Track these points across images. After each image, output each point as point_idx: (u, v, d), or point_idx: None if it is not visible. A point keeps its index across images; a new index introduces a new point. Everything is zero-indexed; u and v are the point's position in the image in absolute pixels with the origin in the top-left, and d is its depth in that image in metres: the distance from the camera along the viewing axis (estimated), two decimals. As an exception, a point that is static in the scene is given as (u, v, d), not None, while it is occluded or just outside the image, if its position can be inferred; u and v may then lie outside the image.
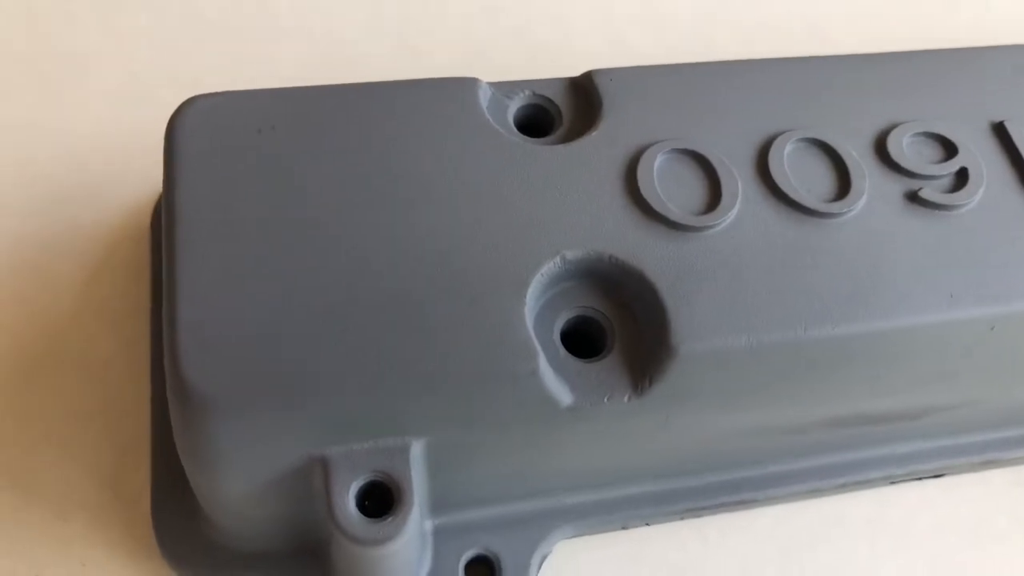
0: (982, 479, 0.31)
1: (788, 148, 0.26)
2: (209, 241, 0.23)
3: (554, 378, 0.23)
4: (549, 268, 0.23)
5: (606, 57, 0.30)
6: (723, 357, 0.23)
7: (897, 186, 0.25)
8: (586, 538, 0.29)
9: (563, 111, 0.27)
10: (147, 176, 0.33)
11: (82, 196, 0.33)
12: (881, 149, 0.26)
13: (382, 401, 0.22)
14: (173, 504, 0.26)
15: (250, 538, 0.25)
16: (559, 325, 0.24)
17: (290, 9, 0.39)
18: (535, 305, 0.23)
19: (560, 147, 0.25)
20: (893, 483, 0.30)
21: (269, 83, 0.27)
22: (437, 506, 0.26)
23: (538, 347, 0.22)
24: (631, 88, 0.26)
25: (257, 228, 0.23)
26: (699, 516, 0.29)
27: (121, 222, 0.32)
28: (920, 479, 0.30)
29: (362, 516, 0.21)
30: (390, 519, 0.21)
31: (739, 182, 0.25)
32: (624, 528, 0.28)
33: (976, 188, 0.25)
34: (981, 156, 0.26)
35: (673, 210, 0.24)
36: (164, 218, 0.24)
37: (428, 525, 0.26)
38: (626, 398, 0.23)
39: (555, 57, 0.37)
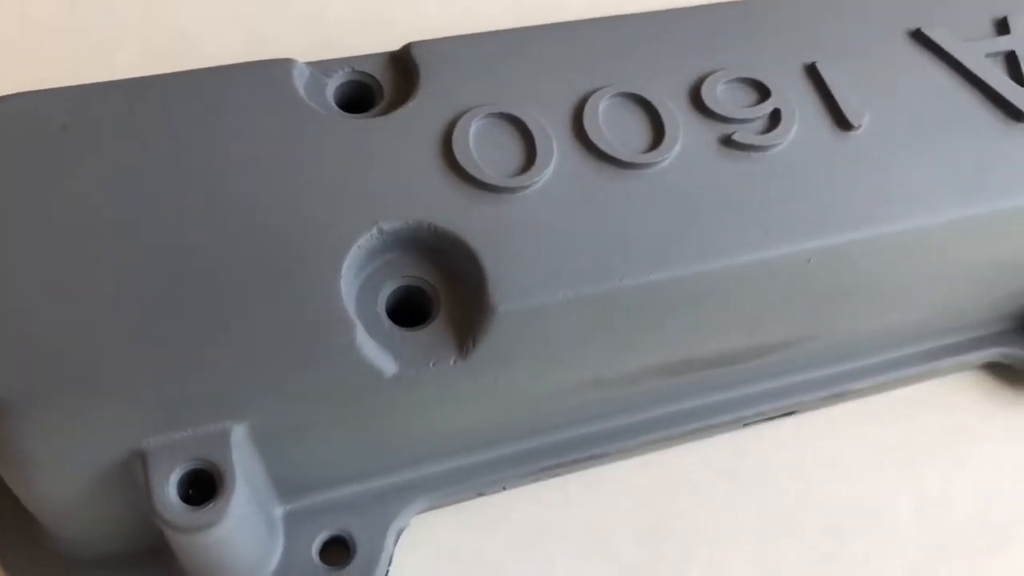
0: (831, 415, 0.32)
1: (603, 105, 0.26)
2: (8, 232, 0.22)
3: (376, 349, 0.22)
4: (367, 240, 0.23)
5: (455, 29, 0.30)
6: (542, 313, 0.23)
7: (712, 132, 0.26)
8: (445, 509, 0.29)
9: (384, 85, 0.26)
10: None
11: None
12: (695, 97, 0.26)
13: (195, 387, 0.21)
14: (11, 521, 0.25)
15: (90, 543, 0.25)
16: (383, 297, 0.23)
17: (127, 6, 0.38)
18: (356, 278, 0.23)
19: (378, 120, 0.25)
20: (747, 426, 0.31)
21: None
22: (286, 491, 0.26)
23: (355, 319, 0.22)
24: (447, 57, 0.26)
25: (62, 216, 0.22)
26: (555, 475, 0.29)
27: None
28: (771, 419, 0.31)
29: (182, 504, 0.21)
30: (211, 505, 0.21)
31: (554, 141, 0.25)
32: (481, 495, 0.28)
33: (788, 128, 0.26)
34: (794, 97, 0.27)
35: (489, 173, 0.24)
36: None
37: (279, 511, 0.26)
38: (452, 361, 0.23)
39: (401, 32, 0.36)
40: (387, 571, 0.27)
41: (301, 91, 0.25)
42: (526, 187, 0.24)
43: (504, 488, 0.28)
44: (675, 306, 0.24)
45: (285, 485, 0.25)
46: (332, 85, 0.26)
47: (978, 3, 0.30)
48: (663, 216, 0.24)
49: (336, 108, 0.26)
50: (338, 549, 0.27)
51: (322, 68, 0.26)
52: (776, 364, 0.29)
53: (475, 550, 0.28)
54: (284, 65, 0.26)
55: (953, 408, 0.33)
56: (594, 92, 0.26)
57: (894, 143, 0.26)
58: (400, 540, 0.27)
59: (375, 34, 0.32)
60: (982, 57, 0.28)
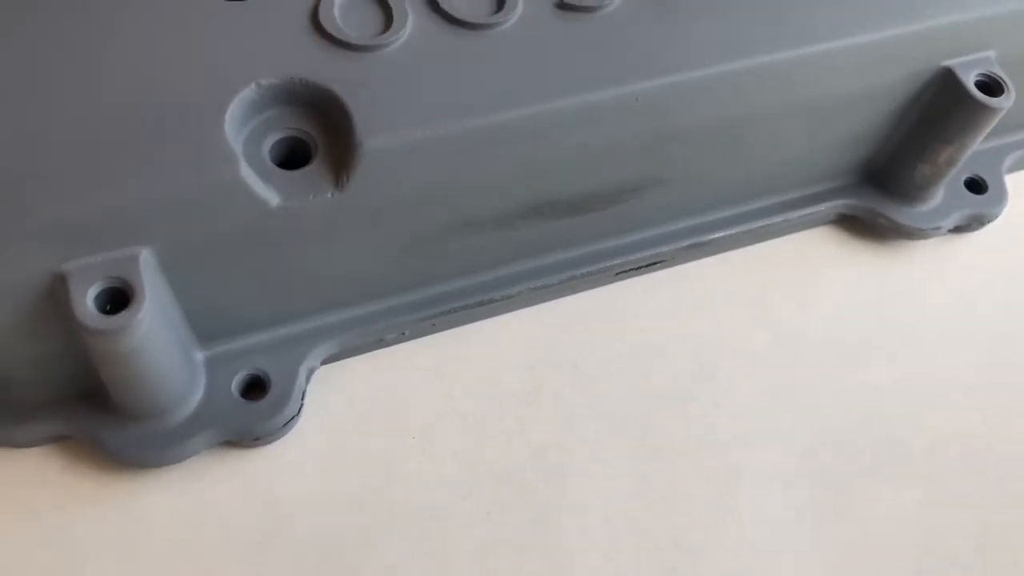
0: (696, 267, 0.36)
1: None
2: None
3: (261, 184, 0.26)
4: (247, 94, 0.27)
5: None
6: (405, 148, 0.27)
7: (548, -2, 0.30)
8: (355, 358, 0.33)
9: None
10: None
11: None
12: (535, -35, 0.31)
13: (104, 214, 0.25)
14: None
15: (29, 384, 0.28)
16: (267, 145, 0.27)
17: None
18: (242, 127, 0.27)
19: None
20: (619, 275, 0.35)
21: None
22: (204, 337, 0.30)
23: (239, 154, 0.26)
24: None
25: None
26: (450, 324, 0.33)
27: None
28: (640, 269, 0.35)
29: (99, 313, 0.25)
30: (124, 312, 0.25)
31: (408, 7, 0.29)
32: (383, 341, 0.32)
33: (618, -9, 0.30)
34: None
35: (352, 35, 0.28)
36: None
37: (199, 356, 0.30)
38: (329, 194, 0.27)
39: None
40: (300, 405, 0.31)
41: None
42: (386, 45, 0.28)
43: (404, 335, 0.32)
44: (525, 144, 0.28)
45: (201, 328, 0.29)
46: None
47: None
48: (507, 67, 0.28)
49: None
50: (254, 387, 0.31)
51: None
52: (637, 215, 0.33)
53: (381, 387, 0.32)
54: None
55: (806, 257, 0.37)
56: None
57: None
58: (312, 383, 0.31)
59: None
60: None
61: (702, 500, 0.31)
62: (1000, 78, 0.33)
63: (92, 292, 0.25)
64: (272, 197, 0.26)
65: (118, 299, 0.25)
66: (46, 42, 0.27)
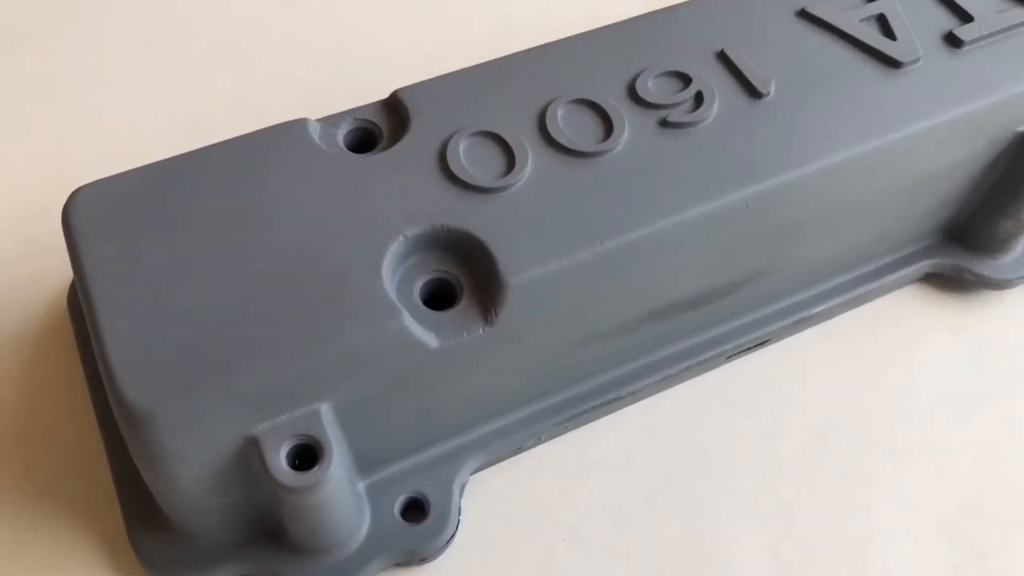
0: (799, 340, 0.38)
1: (560, 111, 0.32)
2: (116, 286, 0.28)
3: (420, 329, 0.28)
4: (396, 246, 0.29)
5: (418, 75, 0.36)
6: (545, 279, 0.29)
7: (651, 118, 0.32)
8: (497, 466, 0.34)
9: (382, 127, 0.33)
10: (51, 271, 0.38)
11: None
12: (633, 93, 0.33)
13: (287, 378, 0.27)
14: (145, 522, 0.31)
15: (212, 530, 0.30)
16: (418, 289, 0.29)
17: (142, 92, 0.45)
18: (394, 277, 0.29)
19: (384, 154, 0.31)
20: (730, 359, 0.37)
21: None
22: (365, 467, 0.32)
23: (400, 306, 0.28)
24: (428, 96, 0.33)
25: (154, 266, 0.28)
26: (581, 423, 0.35)
27: (42, 314, 0.37)
28: (749, 350, 0.37)
29: (294, 471, 0.27)
30: (316, 468, 0.27)
31: (527, 145, 0.31)
32: (522, 449, 0.34)
33: (711, 105, 0.32)
34: (711, 80, 0.33)
35: (481, 179, 0.30)
36: (78, 287, 0.29)
37: (360, 487, 0.32)
38: (480, 330, 0.29)
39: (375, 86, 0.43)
40: (458, 521, 0.32)
41: (318, 142, 0.32)
42: (513, 184, 0.30)
43: (541, 440, 0.34)
44: (649, 258, 0.30)
45: (364, 460, 0.31)
46: (340, 134, 0.33)
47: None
48: (624, 189, 0.30)
49: (347, 151, 0.32)
50: (414, 509, 0.32)
51: (329, 122, 0.33)
52: (744, 301, 0.35)
53: (525, 493, 0.34)
54: (300, 124, 0.32)
55: (901, 317, 0.39)
56: (551, 102, 0.32)
57: (798, 102, 0.33)
58: (464, 495, 0.33)
59: (357, 89, 0.38)
60: (858, 22, 0.35)
61: (840, 568, 0.33)
62: (1073, 137, 0.35)
63: (284, 451, 0.27)
64: (431, 340, 0.28)
65: (307, 454, 0.27)
66: (215, 230, 0.29)
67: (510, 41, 0.41)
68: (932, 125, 0.33)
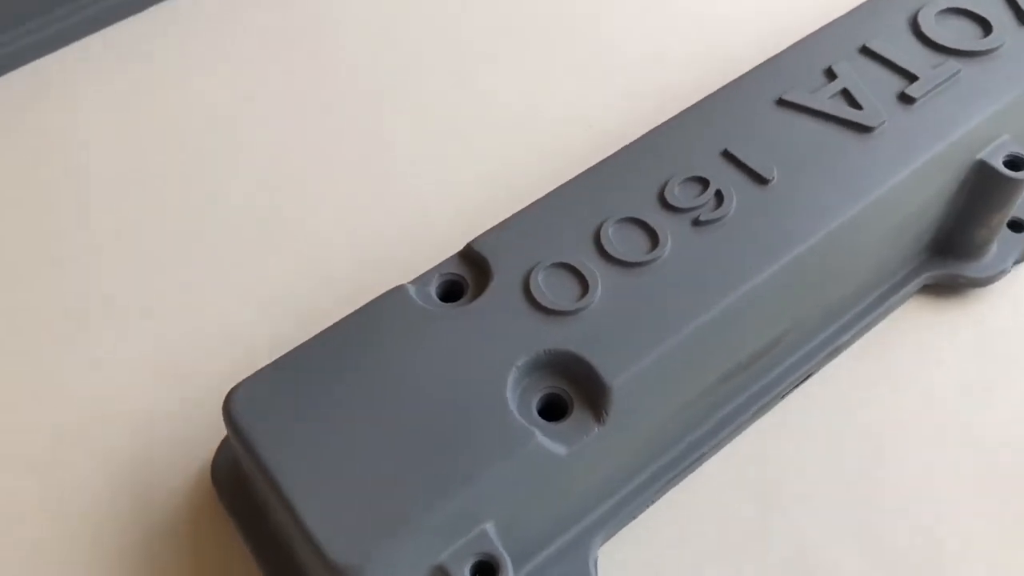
0: (835, 366, 0.44)
1: (611, 231, 0.38)
2: (295, 466, 0.33)
3: (549, 442, 0.34)
4: (512, 377, 0.35)
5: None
6: (640, 374, 0.35)
7: (684, 221, 0.38)
8: (617, 536, 0.40)
9: (466, 277, 0.38)
10: (192, 445, 0.43)
11: (145, 485, 0.42)
12: (664, 203, 0.39)
13: (457, 509, 0.32)
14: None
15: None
16: (535, 407, 0.35)
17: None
18: (515, 403, 0.35)
19: (479, 300, 0.37)
20: (783, 397, 0.43)
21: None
22: (516, 564, 0.37)
23: (531, 428, 0.34)
24: (499, 241, 0.38)
25: (319, 441, 0.34)
26: (679, 480, 0.40)
27: (187, 490, 0.42)
28: (798, 385, 0.43)
29: (483, 586, 0.32)
30: (500, 581, 0.32)
31: (592, 267, 0.37)
32: (634, 517, 0.40)
33: (731, 199, 0.39)
34: (725, 177, 0.40)
35: (565, 304, 0.36)
36: (256, 474, 0.34)
37: (516, 580, 0.37)
38: (596, 430, 0.35)
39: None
40: (599, 592, 0.38)
41: (419, 302, 0.37)
42: (591, 302, 0.36)
43: (651, 503, 0.40)
44: (714, 335, 0.36)
45: (515, 558, 0.36)
46: (432, 289, 0.38)
47: (808, 64, 0.43)
48: (681, 284, 0.37)
49: (442, 303, 0.38)
50: (562, 590, 0.38)
51: (421, 281, 0.38)
52: (787, 348, 0.42)
53: (648, 554, 0.39)
54: (399, 290, 0.38)
55: (911, 328, 0.45)
56: (601, 225, 0.38)
57: (799, 180, 0.39)
58: (598, 568, 0.38)
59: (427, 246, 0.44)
60: (827, 99, 0.42)
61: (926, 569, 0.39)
62: (1019, 154, 0.42)
63: (467, 570, 0.32)
64: (560, 449, 0.34)
65: (485, 570, 0.33)
66: (357, 399, 0.35)
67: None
68: (907, 173, 0.40)
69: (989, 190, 0.42)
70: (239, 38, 0.59)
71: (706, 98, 0.43)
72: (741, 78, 0.44)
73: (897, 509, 0.40)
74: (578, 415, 0.35)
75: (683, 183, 0.40)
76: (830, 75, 0.43)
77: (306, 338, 0.37)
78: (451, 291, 0.38)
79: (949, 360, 0.44)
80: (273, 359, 0.36)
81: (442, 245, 0.42)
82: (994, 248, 0.46)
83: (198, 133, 0.54)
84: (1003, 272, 0.45)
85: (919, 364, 0.44)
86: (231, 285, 0.48)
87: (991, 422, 0.42)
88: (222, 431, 0.40)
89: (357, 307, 0.38)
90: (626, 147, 0.41)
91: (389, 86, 0.56)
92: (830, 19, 0.46)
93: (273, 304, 0.47)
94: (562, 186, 0.40)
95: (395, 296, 0.37)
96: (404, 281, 0.38)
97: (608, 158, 0.41)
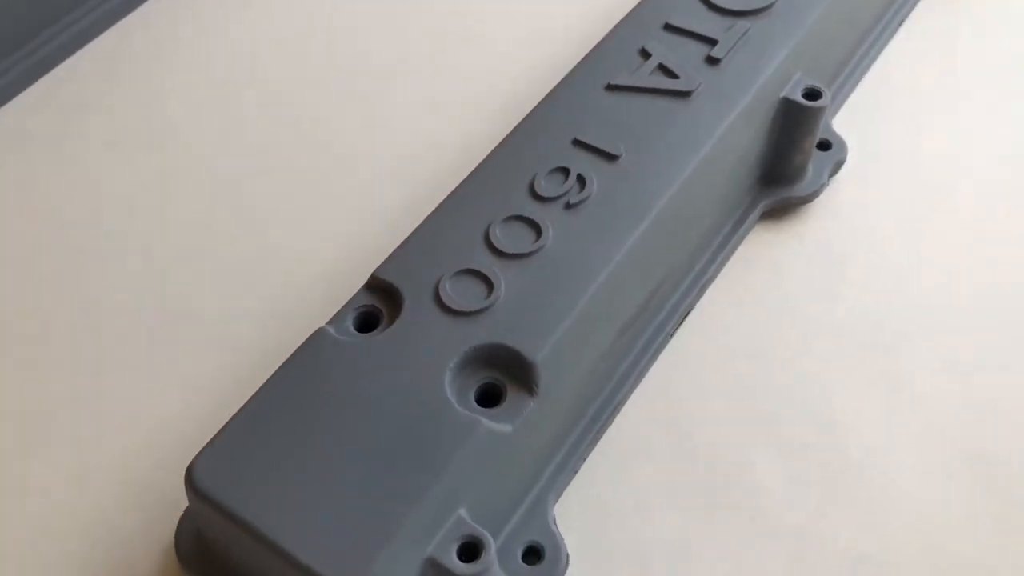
0: (710, 298, 0.51)
1: (498, 231, 0.43)
2: (275, 515, 0.36)
3: (494, 424, 0.38)
4: (448, 377, 0.39)
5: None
6: (556, 344, 0.40)
7: (558, 207, 0.44)
8: (567, 493, 0.45)
9: (378, 305, 0.42)
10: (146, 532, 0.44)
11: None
12: (536, 196, 0.44)
13: (432, 505, 0.36)
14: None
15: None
16: (473, 397, 0.39)
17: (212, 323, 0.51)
18: (455, 399, 0.39)
19: (398, 323, 0.41)
20: (672, 335, 0.49)
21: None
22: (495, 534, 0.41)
23: (476, 416, 0.38)
24: (400, 264, 0.42)
25: (288, 484, 0.37)
26: (605, 430, 0.46)
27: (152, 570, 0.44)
28: (682, 323, 0.49)
29: (468, 563, 0.36)
30: (484, 554, 0.36)
31: (492, 265, 0.42)
32: (577, 471, 0.45)
33: (592, 180, 0.44)
34: (581, 162, 0.45)
35: (476, 303, 0.41)
36: (238, 533, 0.36)
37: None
38: (532, 404, 0.39)
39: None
40: (567, 557, 0.42)
41: (342, 338, 0.41)
42: (499, 296, 0.41)
43: (587, 456, 0.45)
44: (611, 292, 0.42)
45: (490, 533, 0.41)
46: (350, 324, 0.42)
47: (624, 49, 0.49)
48: (571, 261, 0.42)
49: (366, 335, 0.41)
50: (532, 556, 0.42)
51: (336, 320, 0.42)
52: (667, 290, 0.48)
53: (595, 501, 0.44)
54: (320, 333, 0.41)
55: (762, 248, 0.52)
56: (489, 227, 0.43)
57: (641, 147, 0.45)
58: (558, 525, 0.43)
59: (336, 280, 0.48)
60: (648, 76, 0.48)
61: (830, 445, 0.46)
62: (814, 86, 0.49)
63: (454, 555, 0.36)
64: (506, 428, 0.39)
65: (469, 549, 0.37)
66: (315, 437, 0.38)
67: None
68: (728, 123, 0.46)
69: (796, 121, 0.49)
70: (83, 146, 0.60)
71: (546, 97, 0.48)
72: (570, 74, 0.49)
73: (790, 404, 0.47)
74: (513, 395, 0.40)
75: (548, 175, 0.45)
76: (644, 55, 0.49)
77: (238, 407, 0.39)
78: (368, 321, 0.42)
79: (798, 269, 0.51)
80: (208, 437, 0.38)
81: (342, 286, 0.46)
82: (810, 169, 0.53)
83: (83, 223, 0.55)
84: (823, 186, 0.53)
85: (775, 278, 0.51)
86: (143, 378, 0.49)
87: (846, 308, 0.50)
88: (176, 510, 0.43)
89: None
90: (489, 156, 0.46)
91: (245, 166, 0.59)
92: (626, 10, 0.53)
93: (193, 386, 0.49)
94: (443, 203, 0.45)
95: (318, 339, 0.41)
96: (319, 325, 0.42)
97: (476, 169, 0.46)
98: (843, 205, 0.54)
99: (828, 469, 0.45)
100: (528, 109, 0.48)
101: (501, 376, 0.40)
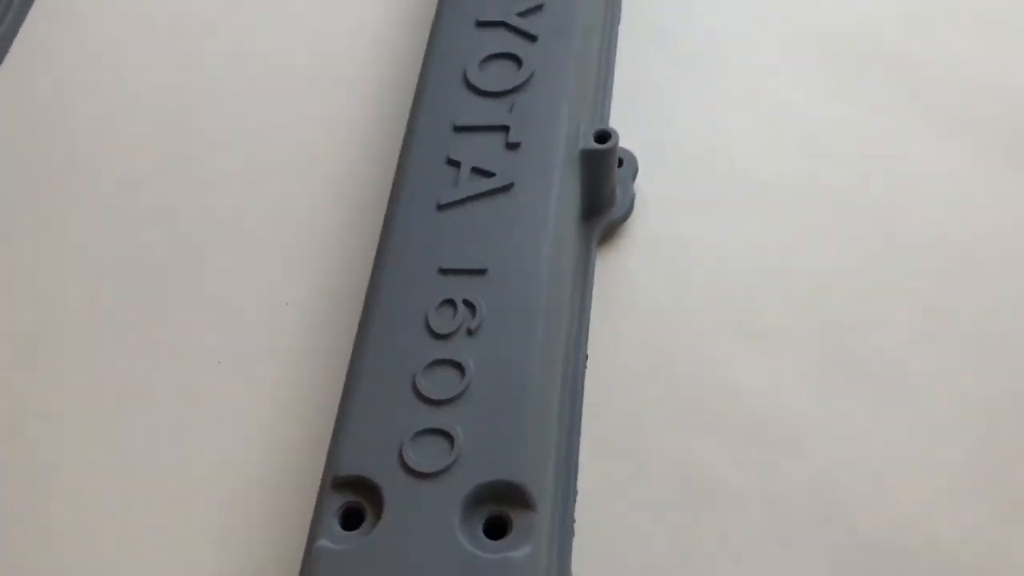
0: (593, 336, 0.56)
1: (424, 383, 0.46)
2: None
3: (517, 554, 0.42)
4: (460, 536, 0.42)
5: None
6: (530, 457, 0.44)
7: (462, 338, 0.47)
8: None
9: (354, 499, 0.44)
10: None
11: None
12: (436, 335, 0.47)
13: None
14: None
15: None
16: (482, 534, 0.43)
17: None
18: (475, 546, 0.42)
19: (386, 512, 0.43)
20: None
21: None
22: None
23: (503, 554, 0.42)
24: (354, 452, 0.45)
25: None
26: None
27: None
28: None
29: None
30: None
31: (443, 417, 0.45)
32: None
33: (479, 301, 0.48)
34: (458, 289, 0.49)
35: (441, 463, 0.43)
36: None
37: None
38: (537, 517, 0.43)
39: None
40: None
41: (340, 547, 0.42)
42: (462, 448, 0.44)
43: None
44: (547, 383, 0.46)
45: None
46: (337, 527, 0.44)
47: (430, 162, 0.53)
48: (501, 375, 0.46)
49: (356, 533, 0.43)
50: None
51: (322, 530, 0.43)
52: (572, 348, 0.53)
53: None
54: (320, 550, 0.43)
55: (600, 278, 0.59)
56: (415, 378, 0.46)
57: (499, 252, 0.50)
58: None
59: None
60: (468, 183, 0.52)
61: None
62: (602, 130, 0.55)
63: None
64: (526, 550, 0.42)
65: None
66: None
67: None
68: (555, 196, 0.52)
69: (599, 163, 0.55)
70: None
71: (385, 232, 0.51)
72: (394, 202, 0.52)
73: (704, 389, 0.54)
74: (517, 519, 0.43)
75: (437, 312, 0.48)
76: (453, 163, 0.53)
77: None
78: (353, 518, 0.44)
79: (646, 280, 0.58)
80: None
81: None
82: (618, 189, 0.60)
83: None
84: (633, 198, 0.60)
85: (631, 292, 0.57)
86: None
87: (706, 283, 0.57)
88: None
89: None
90: (367, 314, 0.49)
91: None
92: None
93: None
94: (351, 379, 0.47)
95: (323, 558, 0.42)
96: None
97: (362, 333, 0.48)
98: (655, 203, 0.61)
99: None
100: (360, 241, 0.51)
101: (497, 506, 0.44)
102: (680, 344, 0.55)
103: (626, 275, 0.58)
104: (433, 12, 0.60)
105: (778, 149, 0.63)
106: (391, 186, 0.54)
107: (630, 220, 0.60)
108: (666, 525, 0.49)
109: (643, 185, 0.61)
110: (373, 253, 0.53)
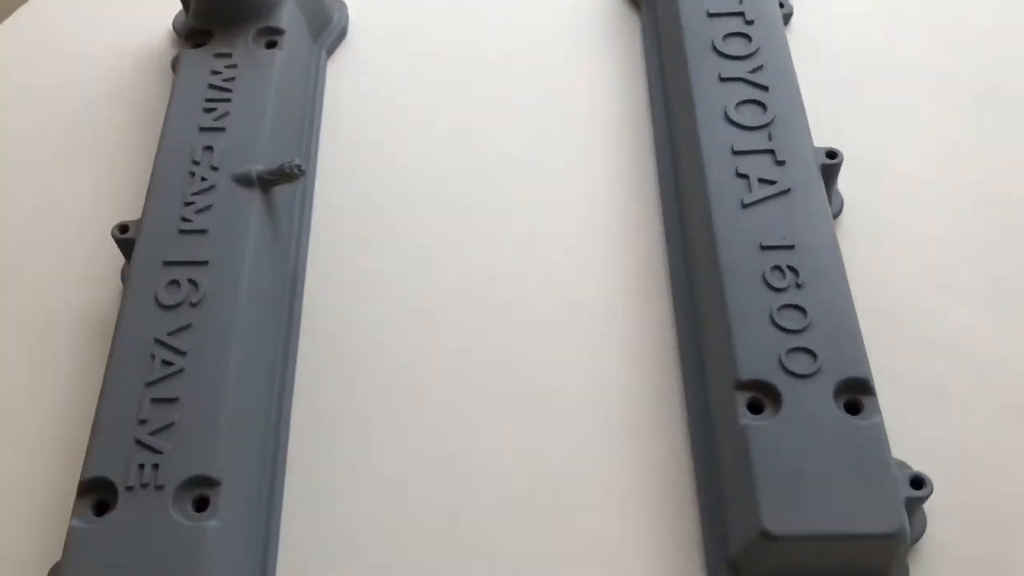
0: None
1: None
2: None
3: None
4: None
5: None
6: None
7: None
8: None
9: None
10: None
11: None
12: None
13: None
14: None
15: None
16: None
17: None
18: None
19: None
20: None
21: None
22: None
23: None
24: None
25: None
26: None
27: None
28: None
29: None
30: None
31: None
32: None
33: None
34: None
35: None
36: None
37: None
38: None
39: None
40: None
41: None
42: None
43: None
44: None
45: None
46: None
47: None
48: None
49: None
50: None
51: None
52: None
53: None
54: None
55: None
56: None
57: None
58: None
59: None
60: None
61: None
62: (831, 149, 0.77)
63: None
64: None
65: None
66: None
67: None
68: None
69: (831, 174, 0.77)
70: None
71: (716, 244, 0.69)
72: (718, 212, 0.71)
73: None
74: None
75: (771, 272, 0.68)
76: (741, 176, 0.72)
77: None
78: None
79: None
80: None
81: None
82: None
83: None
84: (842, 201, 0.81)
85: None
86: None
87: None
88: None
89: None
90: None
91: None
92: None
93: None
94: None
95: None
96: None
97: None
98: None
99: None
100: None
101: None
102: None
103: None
104: (686, 72, 0.80)
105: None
106: (697, 195, 0.75)
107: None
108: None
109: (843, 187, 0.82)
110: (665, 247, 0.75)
